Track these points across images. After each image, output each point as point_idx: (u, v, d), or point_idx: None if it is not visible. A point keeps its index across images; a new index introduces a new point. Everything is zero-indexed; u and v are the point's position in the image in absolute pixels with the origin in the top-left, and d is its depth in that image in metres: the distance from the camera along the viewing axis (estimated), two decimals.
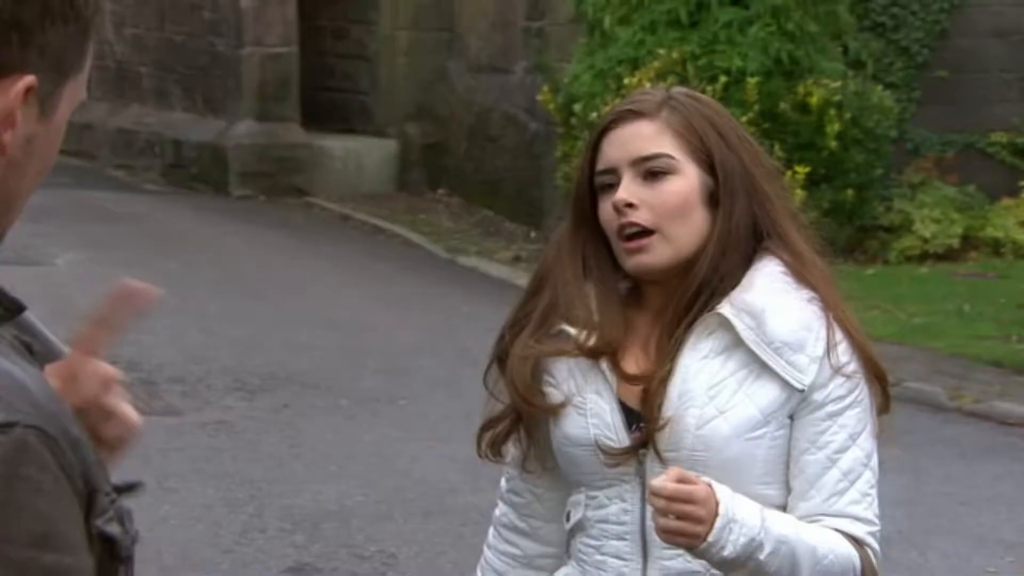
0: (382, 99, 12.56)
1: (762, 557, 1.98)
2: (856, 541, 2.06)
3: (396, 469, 5.91)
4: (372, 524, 5.33)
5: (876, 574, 2.09)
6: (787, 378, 2.04)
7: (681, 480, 1.96)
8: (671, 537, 1.97)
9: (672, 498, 1.94)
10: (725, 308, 2.05)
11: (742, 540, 1.97)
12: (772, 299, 2.06)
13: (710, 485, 1.97)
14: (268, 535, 5.19)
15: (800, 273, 2.09)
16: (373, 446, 6.18)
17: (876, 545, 2.09)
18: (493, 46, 11.78)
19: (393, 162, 12.48)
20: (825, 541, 2.04)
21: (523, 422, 2.14)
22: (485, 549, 2.25)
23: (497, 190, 11.54)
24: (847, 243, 9.85)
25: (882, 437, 2.13)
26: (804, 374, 2.04)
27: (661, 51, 9.46)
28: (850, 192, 9.66)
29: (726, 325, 2.05)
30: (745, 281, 2.07)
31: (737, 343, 2.05)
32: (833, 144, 9.50)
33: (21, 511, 1.03)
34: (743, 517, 1.98)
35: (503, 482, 2.24)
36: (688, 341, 2.06)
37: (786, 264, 2.09)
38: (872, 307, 8.52)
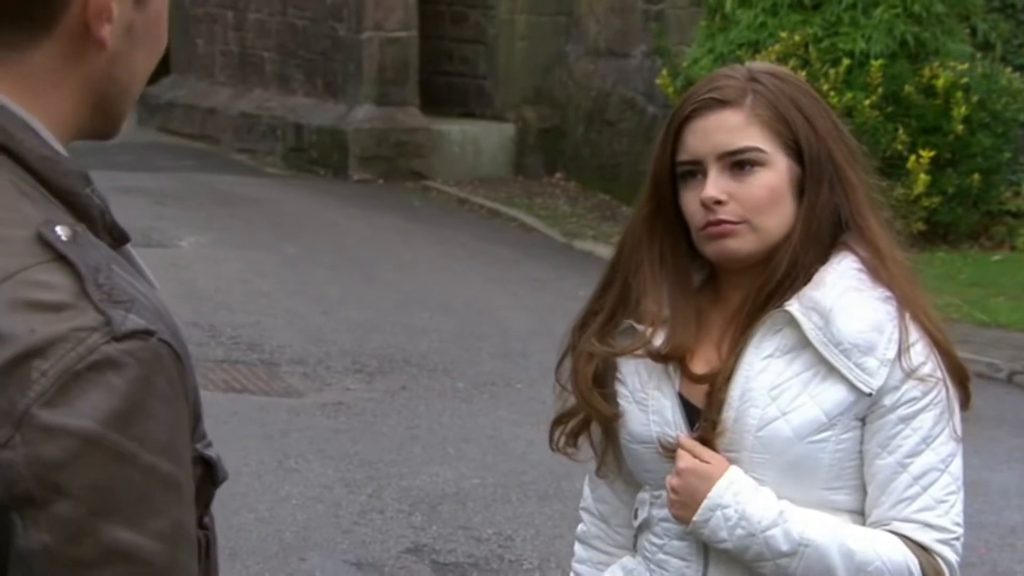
0: (500, 83, 12.58)
1: (781, 554, 1.93)
2: (924, 549, 1.98)
3: (512, 452, 5.93)
4: (489, 507, 5.35)
5: None
6: (854, 381, 1.96)
7: (693, 453, 1.98)
8: (669, 506, 2.01)
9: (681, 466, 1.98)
10: (793, 305, 1.98)
11: (739, 532, 1.93)
12: (842, 298, 1.97)
13: (729, 471, 1.96)
14: (386, 516, 5.24)
15: (876, 270, 1.99)
16: (489, 429, 6.21)
17: (950, 555, 1.99)
18: (611, 30, 11.73)
19: (510, 146, 12.50)
20: (873, 547, 1.96)
21: (593, 420, 2.12)
22: (576, 567, 2.20)
23: (614, 174, 11.50)
24: (972, 229, 9.65)
25: (972, 429, 2.05)
26: (873, 377, 1.96)
27: (783, 34, 9.35)
28: (976, 177, 9.46)
29: (793, 323, 1.98)
30: (817, 277, 1.99)
31: (804, 343, 1.97)
32: (959, 128, 9.31)
33: (152, 417, 1.07)
34: (744, 509, 1.94)
35: (586, 492, 2.20)
36: (753, 338, 2.00)
37: (862, 260, 2.00)
38: (998, 294, 8.34)
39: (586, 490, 2.21)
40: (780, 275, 1.99)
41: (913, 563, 1.97)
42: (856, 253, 2.01)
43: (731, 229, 1.99)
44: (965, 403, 2.04)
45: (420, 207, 11.30)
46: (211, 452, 1.16)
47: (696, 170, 2.02)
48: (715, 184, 1.99)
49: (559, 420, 2.16)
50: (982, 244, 9.61)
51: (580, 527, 2.22)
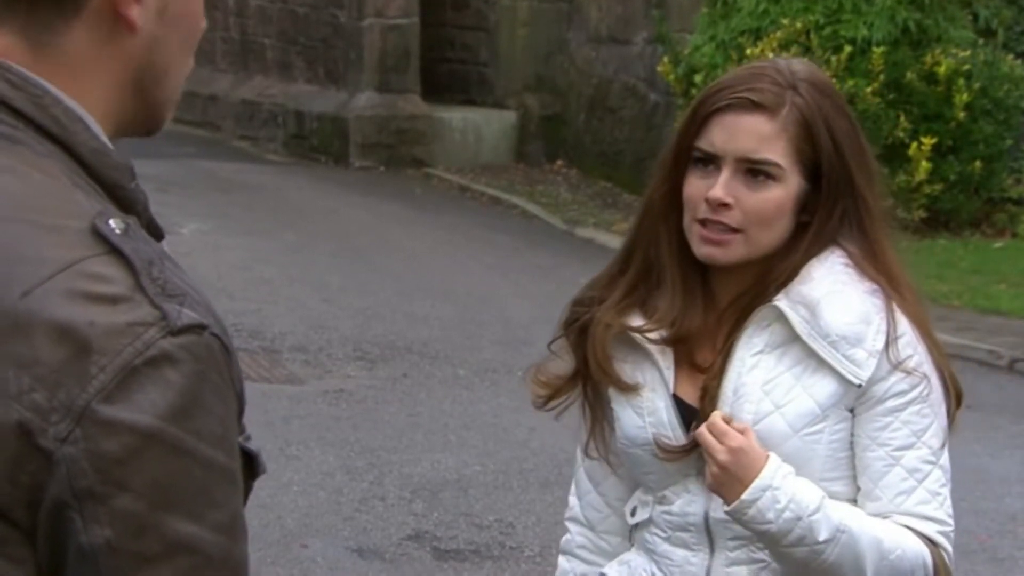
0: (501, 70, 12.57)
1: (818, 541, 1.94)
2: (928, 540, 2.01)
3: (513, 439, 5.94)
4: (490, 493, 5.36)
5: (950, 574, 2.03)
6: (843, 373, 1.98)
7: (729, 424, 1.95)
8: (711, 475, 1.96)
9: (712, 429, 1.94)
10: (781, 300, 1.99)
11: (787, 515, 1.93)
12: (830, 291, 1.99)
13: (768, 455, 1.94)
14: (388, 503, 5.25)
15: (863, 265, 2.01)
16: (491, 416, 6.22)
17: (949, 546, 2.03)
18: (613, 16, 11.72)
19: (512, 133, 12.49)
20: (893, 536, 1.99)
21: (587, 395, 2.11)
22: None
23: (615, 162, 11.49)
24: (974, 216, 9.65)
25: (958, 426, 2.07)
26: (861, 368, 1.98)
27: (784, 21, 9.33)
28: (978, 164, 9.46)
29: (782, 318, 1.99)
30: (804, 273, 2.00)
31: (793, 337, 1.99)
32: (961, 115, 9.30)
33: (208, 411, 1.08)
34: (794, 493, 1.94)
35: (572, 502, 2.19)
36: (743, 335, 2.01)
37: (849, 255, 2.01)
38: (999, 281, 8.34)
39: (572, 499, 2.20)
40: (770, 284, 2.01)
41: (926, 553, 2.00)
42: (844, 248, 2.02)
43: (724, 239, 1.99)
44: (957, 402, 2.06)
45: (421, 195, 11.29)
46: (252, 445, 1.17)
47: (710, 161, 2.01)
48: (725, 186, 1.99)
49: (549, 380, 2.14)
50: (983, 231, 9.61)
51: (565, 537, 2.20)
